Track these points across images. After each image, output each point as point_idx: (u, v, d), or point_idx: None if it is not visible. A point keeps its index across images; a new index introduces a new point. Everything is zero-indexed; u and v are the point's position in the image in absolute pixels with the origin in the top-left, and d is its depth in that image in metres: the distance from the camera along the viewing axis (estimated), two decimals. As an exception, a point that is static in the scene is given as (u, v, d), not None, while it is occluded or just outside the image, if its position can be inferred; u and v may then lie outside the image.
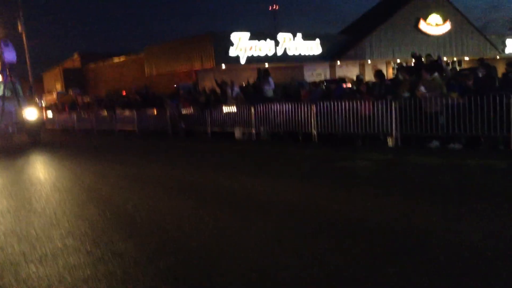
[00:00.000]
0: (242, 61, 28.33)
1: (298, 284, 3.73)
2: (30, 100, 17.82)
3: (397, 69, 13.12)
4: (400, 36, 35.43)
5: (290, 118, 13.09)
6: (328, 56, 32.82)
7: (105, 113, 21.58)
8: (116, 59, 37.99)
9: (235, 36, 28.04)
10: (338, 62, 34.37)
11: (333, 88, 13.29)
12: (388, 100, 10.96)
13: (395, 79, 12.61)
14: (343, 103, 11.80)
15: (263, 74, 15.73)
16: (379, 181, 7.63)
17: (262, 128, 14.03)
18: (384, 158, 9.85)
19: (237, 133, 14.91)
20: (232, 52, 27.94)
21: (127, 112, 19.96)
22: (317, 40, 31.79)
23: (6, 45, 15.49)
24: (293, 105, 13.05)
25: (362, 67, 35.88)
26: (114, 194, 7.66)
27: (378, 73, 12.49)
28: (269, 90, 15.10)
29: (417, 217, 5.33)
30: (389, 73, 33.80)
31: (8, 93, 16.74)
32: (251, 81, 19.80)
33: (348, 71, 34.19)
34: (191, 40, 29.88)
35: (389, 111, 10.89)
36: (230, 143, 14.14)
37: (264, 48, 29.24)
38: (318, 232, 4.98)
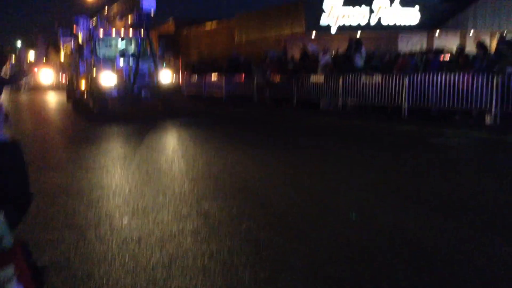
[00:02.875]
0: (333, 30, 27.59)
1: None
2: (162, 61, 15.23)
3: (499, 42, 12.02)
4: (509, 5, 32.33)
5: (380, 90, 12.63)
6: (426, 25, 30.83)
7: (195, 78, 22.22)
8: (208, 26, 38.69)
9: (327, 4, 27.28)
10: (437, 32, 32.26)
11: (430, 59, 12.53)
12: (490, 74, 10.17)
13: (499, 52, 11.61)
14: (438, 76, 11.14)
15: (355, 45, 15.23)
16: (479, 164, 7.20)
17: (350, 99, 13.70)
18: (481, 136, 9.22)
19: (323, 103, 14.69)
20: (324, 20, 27.24)
21: (215, 78, 20.38)
22: (416, 7, 29.97)
23: None
24: (383, 76, 12.55)
25: (463, 38, 33.35)
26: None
27: (480, 45, 11.61)
28: (360, 60, 14.61)
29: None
30: (493, 45, 31.15)
31: (142, 51, 14.28)
32: (342, 50, 19.26)
33: (448, 41, 31.95)
34: (282, 7, 29.51)
35: (490, 86, 10.11)
36: (321, 115, 13.97)
37: (358, 15, 28.19)
38: None
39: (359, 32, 26.81)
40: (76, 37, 17.41)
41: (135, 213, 4.98)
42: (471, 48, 26.27)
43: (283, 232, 4.31)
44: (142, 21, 13.36)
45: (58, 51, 36.01)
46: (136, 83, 13.49)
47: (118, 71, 13.54)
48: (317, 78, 15.01)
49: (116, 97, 13.59)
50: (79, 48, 16.03)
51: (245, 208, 5.00)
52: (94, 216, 4.91)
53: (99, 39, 15.02)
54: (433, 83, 11.25)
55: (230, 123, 12.73)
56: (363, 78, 13.21)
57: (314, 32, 27.58)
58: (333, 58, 16.22)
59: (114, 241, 4.18)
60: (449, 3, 33.10)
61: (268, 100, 16.92)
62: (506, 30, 28.22)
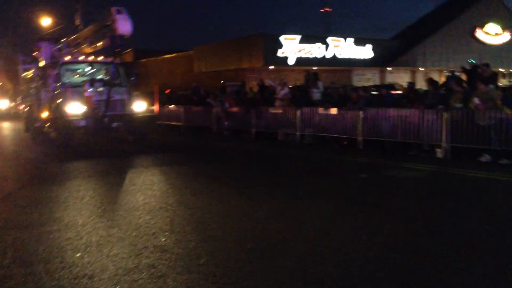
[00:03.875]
0: (291, 62, 28.29)
1: None
2: (135, 88, 13.89)
3: (449, 78, 12.64)
4: (455, 44, 34.28)
5: (336, 123, 12.93)
6: (378, 61, 32.20)
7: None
8: (167, 56, 38.79)
9: (285, 39, 28.03)
10: (389, 68, 33.67)
11: (383, 94, 12.99)
12: (439, 109, 10.63)
13: (448, 89, 12.20)
14: (391, 110, 11.55)
15: (313, 77, 15.63)
16: (428, 194, 7.42)
17: (307, 131, 13.93)
18: (433, 169, 9.54)
19: (281, 135, 14.88)
20: (281, 53, 27.94)
21: (173, 107, 20.28)
22: (368, 45, 31.27)
23: (119, 13, 11.73)
24: (339, 109, 12.89)
25: (413, 74, 34.98)
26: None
27: (431, 81, 12.15)
28: (317, 93, 14.98)
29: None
30: (441, 81, 32.74)
31: (115, 78, 13.28)
32: (299, 83, 19.70)
33: (399, 77, 33.41)
34: (241, 40, 30.12)
35: (440, 121, 10.56)
36: (279, 146, 14.10)
37: (314, 51, 29.06)
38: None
39: (315, 66, 27.69)
40: (37, 62, 16.46)
41: (88, 247, 4.79)
42: (421, 84, 27.60)
43: (241, 266, 4.25)
44: (117, 45, 12.30)
45: (15, 77, 34.75)
46: (108, 112, 12.25)
47: (87, 99, 12.19)
48: (275, 110, 15.22)
49: (83, 128, 12.31)
50: (41, 75, 14.86)
51: (203, 242, 4.91)
52: (44, 251, 4.69)
53: (64, 65, 13.91)
54: (387, 117, 11.64)
55: (187, 154, 12.62)
56: (320, 110, 13.50)
57: (272, 66, 28.29)
58: (290, 90, 16.52)
59: (65, 277, 3.99)
60: (400, 41, 34.80)
61: (227, 131, 16.97)
62: (451, 68, 29.63)
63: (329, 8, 54.45)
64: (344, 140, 12.89)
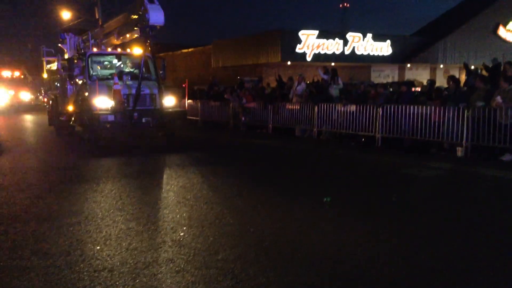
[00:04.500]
0: (309, 58, 28.11)
1: None
2: (164, 82, 12.96)
3: (471, 75, 12.39)
4: (476, 41, 33.68)
5: (354, 120, 12.83)
6: (397, 58, 31.81)
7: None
8: (184, 50, 38.87)
9: (303, 34, 27.86)
10: (408, 65, 33.24)
11: (403, 91, 12.83)
12: (461, 108, 10.46)
13: (469, 86, 11.99)
14: (411, 108, 11.40)
15: (331, 73, 15.52)
16: (449, 194, 7.31)
17: (324, 128, 13.86)
18: (454, 169, 9.40)
19: (298, 131, 14.83)
20: (299, 49, 27.79)
21: (191, 102, 20.33)
22: (388, 41, 30.91)
23: (151, 3, 10.99)
24: (358, 106, 12.78)
25: (433, 71, 34.49)
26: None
27: (453, 79, 11.93)
28: (335, 89, 14.86)
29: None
30: (462, 79, 32.21)
31: (144, 71, 12.39)
32: (317, 79, 19.57)
33: (418, 74, 33.00)
34: (259, 36, 30.01)
35: (461, 119, 10.39)
36: (296, 142, 14.04)
37: (332, 46, 28.84)
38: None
39: (333, 62, 27.48)
40: (62, 54, 16.10)
41: (108, 240, 4.83)
42: (440, 81, 27.20)
43: (260, 262, 4.24)
44: (148, 37, 11.52)
45: (37, 69, 34.96)
46: (137, 107, 11.55)
47: (115, 93, 11.43)
48: (293, 105, 15.16)
49: (112, 123, 11.40)
50: (66, 67, 14.02)
51: (221, 237, 4.91)
52: (65, 243, 4.74)
53: (92, 57, 13.31)
54: (406, 114, 11.50)
55: (204, 149, 12.62)
56: (338, 107, 13.41)
57: (289, 62, 28.16)
58: (308, 85, 16.43)
59: (85, 270, 4.03)
60: (420, 38, 34.32)
61: (243, 127, 16.96)
62: (473, 65, 29.14)
63: (347, 4, 54.07)
64: (362, 137, 12.78)
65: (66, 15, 27.79)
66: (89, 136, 12.21)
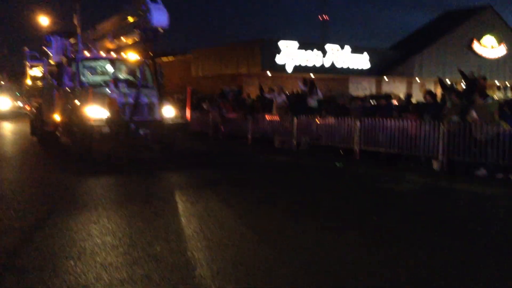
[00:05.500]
0: (289, 69, 28.30)
1: None
2: (162, 90, 11.67)
3: (445, 90, 12.61)
4: (452, 55, 34.44)
5: (333, 131, 12.94)
6: (375, 71, 32.29)
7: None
8: (164, 59, 38.69)
9: (283, 44, 28.06)
10: (385, 78, 33.77)
11: (382, 104, 13.01)
12: (437, 121, 10.64)
13: (444, 101, 12.21)
14: (389, 121, 11.55)
15: (310, 85, 15.64)
16: (424, 209, 7.40)
17: (303, 139, 13.92)
18: (429, 182, 9.53)
19: (277, 142, 14.87)
20: (279, 59, 27.97)
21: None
22: (365, 54, 31.36)
23: (153, 2, 9.93)
24: (336, 118, 12.89)
25: (409, 84, 35.09)
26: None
27: (429, 93, 12.15)
28: (314, 101, 14.97)
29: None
30: (438, 92, 32.85)
31: (144, 78, 11.69)
32: (296, 90, 19.70)
33: (395, 87, 33.52)
34: (239, 45, 30.11)
35: (437, 133, 10.56)
36: (275, 153, 14.06)
37: (311, 58, 29.11)
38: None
39: (312, 74, 27.73)
40: (47, 58, 14.76)
41: (81, 255, 4.72)
42: (416, 94, 27.66)
43: (239, 278, 4.19)
44: (148, 41, 10.45)
45: (16, 75, 33.70)
46: (134, 117, 10.43)
47: (111, 101, 10.41)
48: (272, 116, 15.21)
49: (106, 135, 10.33)
50: (53, 72, 13.00)
51: (199, 253, 4.85)
52: (37, 257, 4.61)
53: (84, 62, 12.23)
54: (384, 127, 11.64)
55: (183, 159, 12.49)
56: (317, 119, 13.50)
57: (269, 72, 28.29)
58: (288, 97, 16.53)
59: (58, 287, 3.92)
60: (397, 51, 34.93)
61: (223, 136, 16.92)
62: (448, 79, 29.76)
63: (327, 16, 54.70)
64: (340, 149, 12.88)
65: (44, 20, 27.40)
66: (79, 149, 11.02)
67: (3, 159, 12.06)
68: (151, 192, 8.01)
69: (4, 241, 5.12)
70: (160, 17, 9.84)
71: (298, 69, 28.42)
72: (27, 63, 17.09)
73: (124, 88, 11.21)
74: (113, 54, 12.59)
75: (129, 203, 7.10)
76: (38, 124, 14.72)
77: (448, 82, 17.14)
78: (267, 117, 15.36)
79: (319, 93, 15.43)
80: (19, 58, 19.24)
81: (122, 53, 12.57)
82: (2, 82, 33.43)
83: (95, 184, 8.59)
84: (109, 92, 10.61)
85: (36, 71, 16.66)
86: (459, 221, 6.51)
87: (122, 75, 12.38)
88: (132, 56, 12.54)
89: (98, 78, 12.25)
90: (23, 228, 5.63)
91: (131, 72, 12.56)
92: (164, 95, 11.52)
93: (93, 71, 12.55)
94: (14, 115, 28.30)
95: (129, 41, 11.71)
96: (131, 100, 10.63)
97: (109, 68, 12.63)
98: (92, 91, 10.64)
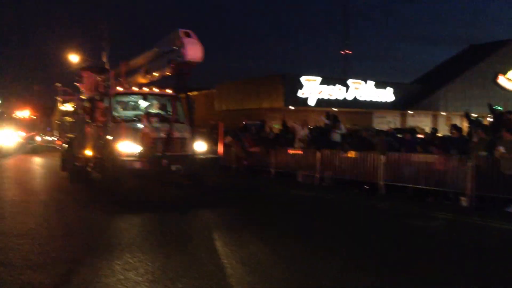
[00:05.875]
0: (311, 103, 28.41)
1: None
2: (194, 124, 11.52)
3: (472, 125, 12.44)
4: (477, 89, 34.09)
5: (357, 166, 12.78)
6: (399, 105, 32.13)
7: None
8: (188, 93, 39.31)
9: (305, 79, 28.29)
10: (410, 112, 33.53)
11: (407, 138, 12.84)
12: (464, 157, 10.42)
13: (470, 135, 12.00)
14: (415, 155, 11.38)
15: (333, 119, 15.60)
16: (456, 246, 7.16)
17: (327, 173, 13.77)
18: (459, 220, 9.24)
19: (300, 176, 14.75)
20: (301, 94, 28.15)
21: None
22: (389, 89, 31.32)
23: (188, 36, 9.98)
24: (361, 152, 12.76)
25: (434, 118, 34.73)
26: None
27: (455, 127, 11.96)
28: (337, 134, 14.89)
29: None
30: (464, 127, 32.36)
31: (177, 112, 11.72)
32: (319, 124, 19.67)
33: (420, 121, 33.20)
34: (262, 80, 30.48)
35: (464, 168, 10.33)
36: (298, 188, 13.92)
37: (334, 92, 29.20)
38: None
39: (335, 108, 27.74)
40: (79, 94, 14.63)
41: (105, 290, 4.66)
42: (442, 128, 27.28)
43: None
44: (183, 74, 10.34)
45: (46, 110, 34.40)
46: (166, 152, 10.23)
47: (144, 136, 10.33)
48: (295, 150, 15.16)
49: (138, 170, 10.14)
50: (86, 107, 12.90)
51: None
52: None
53: (117, 96, 12.16)
54: (409, 162, 11.46)
55: (213, 196, 11.59)
56: (341, 153, 13.39)
57: (292, 106, 28.44)
58: (311, 131, 16.50)
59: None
60: (421, 85, 34.77)
61: (245, 170, 16.89)
62: (474, 113, 29.23)
63: (350, 51, 55.04)
64: (365, 184, 12.67)
65: (74, 58, 28.26)
66: (110, 185, 10.84)
67: (33, 194, 11.97)
68: (184, 232, 7.59)
69: (28, 276, 5.13)
70: (194, 52, 9.86)
71: (320, 103, 28.52)
72: (59, 98, 17.08)
73: (156, 123, 11.04)
74: (145, 89, 12.52)
75: (164, 245, 6.67)
76: (69, 159, 14.44)
77: (474, 116, 16.96)
78: (290, 151, 15.32)
79: (342, 127, 15.35)
80: (49, 94, 19.59)
81: (154, 88, 12.55)
82: (34, 117, 34.14)
83: (125, 222, 8.33)
84: (142, 126, 10.56)
85: (68, 106, 16.47)
86: (495, 258, 6.27)
87: (154, 110, 12.27)
88: (164, 91, 12.50)
89: (130, 113, 12.20)
90: (47, 263, 5.64)
91: (163, 106, 12.50)
92: (196, 130, 11.31)
93: (125, 105, 12.52)
94: (44, 150, 28.37)
95: (162, 75, 11.65)
96: (163, 135, 10.47)
97: (142, 102, 12.58)
98: (125, 126, 10.60)
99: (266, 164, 15.98)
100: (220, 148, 11.64)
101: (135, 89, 12.50)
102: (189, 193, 11.58)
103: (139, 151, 10.21)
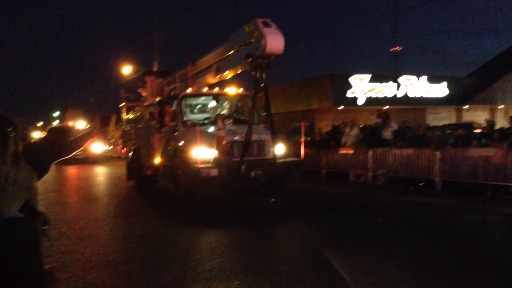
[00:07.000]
0: (360, 102, 27.99)
1: None
2: (274, 125, 10.10)
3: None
4: (538, 79, 32.34)
5: (411, 163, 12.46)
6: (454, 100, 30.97)
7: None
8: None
9: (354, 79, 27.91)
10: (465, 106, 32.27)
11: (461, 134, 12.41)
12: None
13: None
14: (471, 150, 10.97)
15: (384, 116, 15.30)
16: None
17: (380, 172, 13.51)
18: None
19: (352, 176, 14.56)
20: (350, 93, 27.80)
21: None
22: (444, 83, 30.29)
23: (267, 26, 8.80)
24: (414, 149, 12.44)
25: (492, 112, 33.21)
26: None
27: (514, 119, 11.45)
28: (388, 133, 14.59)
29: None
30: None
31: (256, 114, 10.49)
32: (370, 122, 19.33)
33: (476, 115, 31.85)
34: (310, 81, 30.34)
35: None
36: (351, 187, 13.74)
37: (385, 90, 28.60)
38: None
39: (386, 106, 27.13)
40: (144, 100, 14.10)
41: None
42: (501, 122, 26.05)
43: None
44: (261, 69, 9.00)
45: (107, 120, 35.44)
46: (245, 158, 9.26)
47: (219, 140, 9.36)
48: (346, 150, 14.98)
49: (214, 178, 9.17)
50: (152, 113, 12.15)
51: None
52: (122, 290, 4.72)
53: (186, 99, 11.28)
54: (466, 157, 11.06)
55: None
56: (393, 150, 13.11)
57: (341, 106, 28.09)
58: (361, 130, 16.24)
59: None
60: (477, 78, 33.36)
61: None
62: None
63: (399, 47, 53.74)
64: (420, 182, 12.34)
65: (127, 69, 29.24)
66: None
67: (100, 206, 11.17)
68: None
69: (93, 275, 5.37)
70: (275, 43, 8.75)
71: (370, 101, 28.02)
72: (124, 106, 16.18)
73: (231, 125, 10.21)
74: (216, 89, 11.56)
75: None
76: (135, 168, 13.76)
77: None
78: (341, 150, 15.15)
79: (394, 124, 15.02)
80: (106, 105, 19.97)
81: (227, 88, 11.57)
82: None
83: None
84: (216, 130, 9.56)
85: (131, 114, 15.78)
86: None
87: (227, 111, 11.46)
88: (237, 90, 11.58)
89: (201, 116, 11.39)
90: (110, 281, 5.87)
91: (237, 107, 11.65)
92: (275, 131, 10.12)
93: (195, 108, 11.71)
94: (106, 160, 28.64)
95: (235, 72, 10.58)
96: (240, 138, 9.58)
97: (213, 104, 11.65)
98: (198, 130, 9.59)
99: (317, 165, 15.87)
100: (303, 151, 10.77)
101: (205, 90, 11.56)
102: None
103: (215, 157, 9.37)
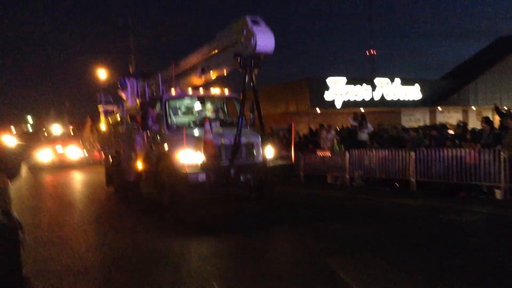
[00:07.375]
0: (338, 105, 28.28)
1: None
2: (263, 127, 9.87)
3: (504, 116, 12.23)
4: (507, 82, 33.25)
5: (387, 164, 12.66)
6: (428, 102, 31.59)
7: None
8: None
9: (331, 81, 28.19)
10: (439, 108, 32.93)
11: (434, 135, 12.68)
12: (497, 149, 10.21)
13: (504, 127, 11.75)
14: (445, 151, 11.21)
15: (360, 118, 15.52)
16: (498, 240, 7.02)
17: (356, 174, 13.68)
18: (496, 212, 9.04)
19: (330, 178, 14.71)
20: (328, 96, 28.06)
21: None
22: (417, 85, 30.86)
23: (256, 24, 8.51)
24: (390, 150, 12.65)
25: (465, 113, 33.99)
26: None
27: (487, 120, 11.74)
28: (364, 134, 14.81)
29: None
30: (496, 120, 31.52)
31: (244, 115, 9.85)
32: (346, 125, 19.59)
33: (450, 117, 32.55)
34: (287, 84, 30.55)
35: (498, 161, 10.11)
36: (328, 189, 13.88)
37: (361, 92, 28.98)
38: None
39: (362, 108, 27.48)
40: (124, 103, 13.41)
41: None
42: (473, 123, 26.67)
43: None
44: (249, 70, 8.69)
45: (82, 124, 34.66)
46: (235, 160, 9.01)
47: (207, 144, 8.93)
48: (323, 152, 15.13)
49: (201, 183, 8.81)
50: (134, 116, 11.80)
51: None
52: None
53: (170, 101, 10.75)
54: (440, 158, 11.30)
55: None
56: (370, 152, 13.31)
57: (318, 109, 28.33)
58: (337, 132, 16.43)
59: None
60: (449, 81, 34.09)
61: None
62: (505, 106, 28.64)
63: (374, 51, 54.59)
64: (396, 182, 12.55)
65: (102, 74, 28.76)
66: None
67: (78, 214, 10.82)
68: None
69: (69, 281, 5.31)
70: (265, 42, 8.44)
71: (347, 104, 28.33)
72: (101, 109, 15.50)
73: (218, 128, 9.86)
74: (202, 91, 11.06)
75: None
76: (115, 173, 13.39)
77: (505, 108, 16.57)
78: (319, 153, 15.29)
79: (370, 127, 15.26)
80: (80, 110, 19.21)
81: (212, 89, 11.11)
82: (72, 133, 34.17)
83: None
84: (202, 133, 9.17)
85: (110, 117, 15.22)
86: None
87: (213, 113, 11.16)
88: (224, 91, 11.19)
89: (186, 119, 10.95)
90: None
91: (223, 109, 11.38)
92: (265, 134, 9.94)
93: (177, 111, 11.14)
94: (82, 165, 27.94)
95: (221, 73, 10.35)
96: (228, 141, 9.32)
97: (198, 106, 11.11)
98: (184, 133, 9.13)
99: (295, 168, 15.92)
100: (293, 153, 10.35)
101: (189, 91, 11.15)
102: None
103: (202, 161, 8.98)
